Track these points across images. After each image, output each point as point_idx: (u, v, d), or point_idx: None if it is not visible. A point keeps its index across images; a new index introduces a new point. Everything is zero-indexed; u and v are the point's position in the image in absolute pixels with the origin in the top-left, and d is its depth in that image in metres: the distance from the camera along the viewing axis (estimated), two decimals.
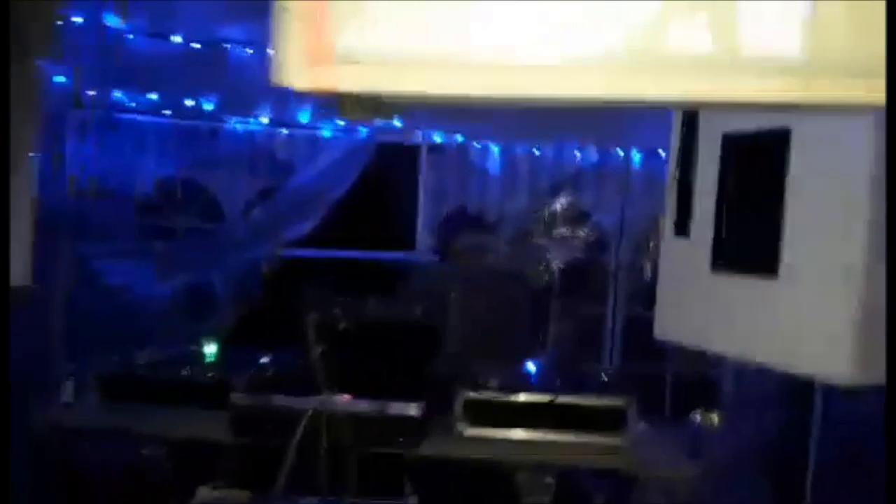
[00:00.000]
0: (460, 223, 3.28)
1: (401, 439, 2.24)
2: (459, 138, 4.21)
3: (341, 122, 4.24)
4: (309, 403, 2.23)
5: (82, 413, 2.56)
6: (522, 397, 2.37)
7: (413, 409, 2.26)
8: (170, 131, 4.43)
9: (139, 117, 4.35)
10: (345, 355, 2.60)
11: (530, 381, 2.71)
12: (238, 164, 4.46)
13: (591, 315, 4.47)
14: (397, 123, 4.15)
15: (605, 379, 2.81)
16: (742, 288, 1.36)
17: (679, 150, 1.57)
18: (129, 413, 2.50)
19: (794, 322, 1.24)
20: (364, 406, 2.28)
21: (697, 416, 3.86)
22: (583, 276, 4.45)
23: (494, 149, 4.22)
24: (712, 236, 1.41)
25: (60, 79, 4.08)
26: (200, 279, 4.31)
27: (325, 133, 4.32)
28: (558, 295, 4.40)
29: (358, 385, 2.41)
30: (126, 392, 2.57)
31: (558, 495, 2.27)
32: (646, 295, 4.52)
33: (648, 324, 4.20)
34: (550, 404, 2.33)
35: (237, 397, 2.35)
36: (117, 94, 4.26)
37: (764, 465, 2.57)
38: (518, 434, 2.37)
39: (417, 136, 4.22)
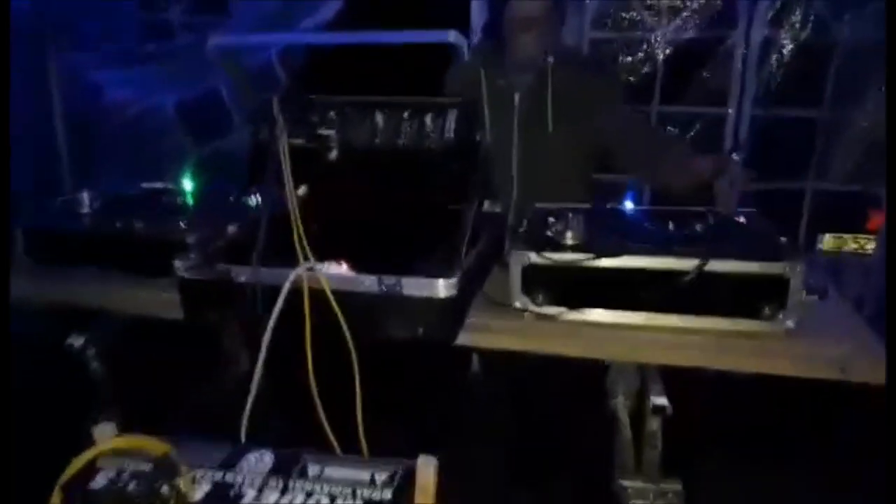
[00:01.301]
0: None
1: (421, 329, 1.41)
2: None
3: None
4: (282, 276, 1.41)
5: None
6: (624, 260, 1.45)
7: (443, 285, 1.39)
8: None
9: None
10: (341, 200, 1.73)
11: (628, 222, 1.78)
12: None
13: (708, 121, 3.35)
14: None
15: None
16: None
17: None
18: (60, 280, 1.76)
19: None
20: (367, 281, 1.43)
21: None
22: (698, 65, 3.28)
23: None
24: None
25: None
26: (206, 87, 3.44)
27: None
28: (663, 94, 3.29)
29: (358, 248, 1.56)
30: (57, 251, 1.81)
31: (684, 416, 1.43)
32: (783, 91, 3.36)
33: (782, 130, 3.10)
34: (668, 276, 1.41)
35: (182, 266, 1.54)
36: None
37: None
38: (609, 317, 1.50)
39: None
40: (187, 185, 2.10)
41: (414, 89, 1.67)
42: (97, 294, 1.72)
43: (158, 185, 2.17)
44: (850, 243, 3.53)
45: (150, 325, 1.70)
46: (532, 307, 1.52)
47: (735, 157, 1.99)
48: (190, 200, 2.05)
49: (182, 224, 1.77)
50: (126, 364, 1.74)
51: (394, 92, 1.66)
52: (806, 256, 3.20)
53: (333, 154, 1.61)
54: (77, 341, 1.68)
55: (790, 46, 3.15)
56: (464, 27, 2.95)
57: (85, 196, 1.91)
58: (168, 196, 2.05)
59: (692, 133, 3.42)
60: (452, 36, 1.33)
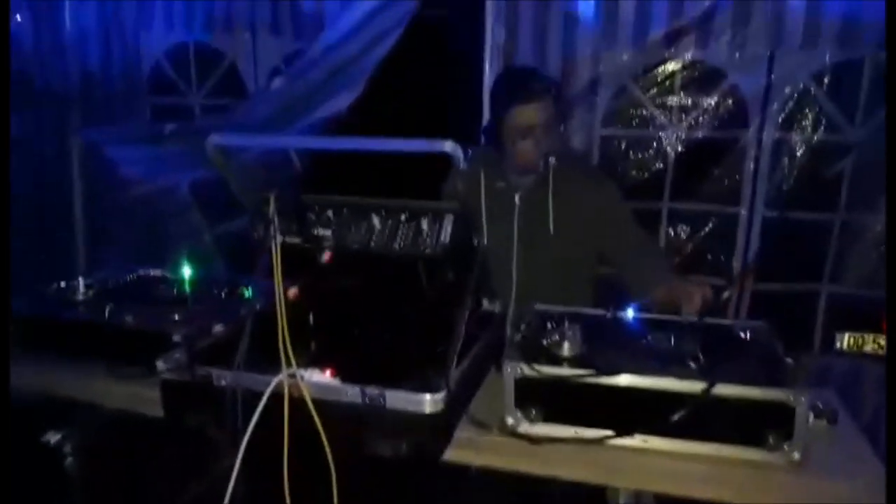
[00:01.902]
0: (512, 92, 2.16)
1: (404, 445, 1.34)
2: None
3: None
4: (263, 382, 1.36)
5: None
6: (624, 379, 1.39)
7: (429, 401, 1.34)
8: None
9: None
10: (332, 302, 1.70)
11: (627, 334, 1.72)
12: (257, 21, 3.51)
13: (719, 220, 3.32)
14: None
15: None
16: None
17: None
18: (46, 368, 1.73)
19: None
20: (350, 392, 1.38)
21: None
22: (710, 164, 3.28)
23: None
24: None
25: None
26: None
27: None
28: (673, 191, 3.28)
29: (346, 354, 1.52)
30: (45, 341, 1.79)
31: None
32: (795, 193, 3.34)
33: (794, 233, 3.06)
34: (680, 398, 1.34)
35: (164, 366, 1.50)
36: None
37: None
38: (605, 438, 1.42)
39: None
40: (186, 271, 2.09)
41: (412, 191, 1.66)
42: (80, 386, 1.69)
43: (157, 272, 2.16)
44: (870, 343, 3.42)
45: (130, 422, 1.65)
46: (524, 424, 1.45)
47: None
48: (186, 289, 2.04)
49: (173, 317, 1.75)
50: (103, 462, 1.69)
51: (392, 193, 1.65)
52: (823, 358, 3.08)
53: (327, 255, 1.59)
54: (53, 437, 1.63)
55: (802, 148, 3.14)
56: (476, 123, 3.00)
57: (80, 283, 1.90)
58: (164, 285, 2.04)
59: (705, 231, 3.38)
60: (449, 146, 1.33)
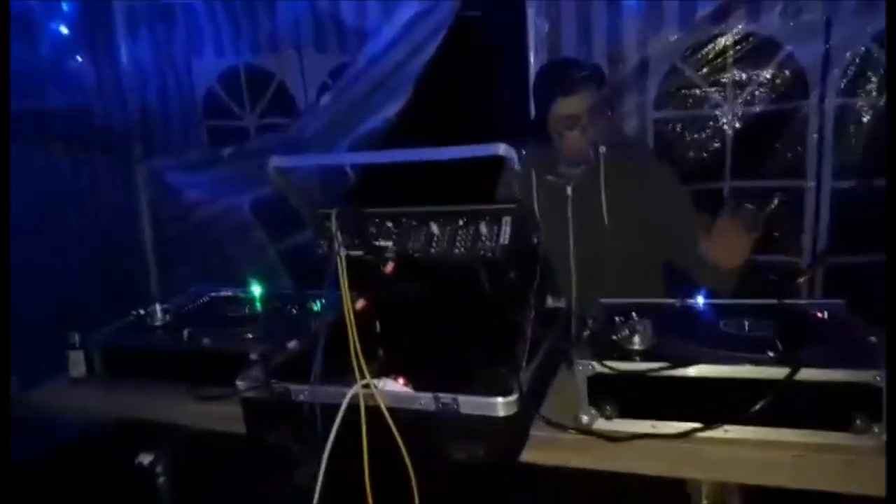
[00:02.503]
0: (553, 84, 2.15)
1: (480, 449, 1.36)
2: None
3: None
4: (339, 394, 1.40)
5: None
6: (700, 370, 1.37)
7: (502, 404, 1.35)
8: (221, 11, 3.61)
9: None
10: (399, 311, 1.73)
11: (699, 322, 1.69)
12: (302, 39, 3.58)
13: (785, 195, 3.21)
14: None
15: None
16: None
17: None
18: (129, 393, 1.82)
19: None
20: (424, 399, 1.40)
21: None
22: (770, 138, 3.18)
23: None
24: None
25: None
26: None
27: None
28: (735, 169, 3.20)
29: (416, 361, 1.54)
30: (129, 367, 1.88)
31: None
32: (863, 161, 3.20)
33: (869, 202, 2.94)
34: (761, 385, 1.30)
35: (243, 385, 1.56)
36: None
37: None
38: (684, 430, 1.40)
39: None
40: (255, 289, 2.16)
41: (468, 193, 1.67)
42: (166, 409, 1.76)
43: (227, 292, 2.23)
44: None
45: (216, 440, 1.71)
46: (599, 421, 1.45)
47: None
48: (257, 306, 2.10)
49: (247, 335, 1.81)
50: (192, 480, 1.76)
51: (447, 197, 1.67)
52: None
53: (390, 265, 1.61)
54: (146, 459, 1.71)
55: (869, 113, 3.01)
56: (525, 118, 2.99)
57: (157, 309, 1.98)
58: (236, 304, 2.11)
59: (772, 207, 3.28)
60: (503, 149, 1.33)
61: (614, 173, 2.17)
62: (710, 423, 1.36)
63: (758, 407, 1.30)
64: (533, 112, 2.28)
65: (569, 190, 2.21)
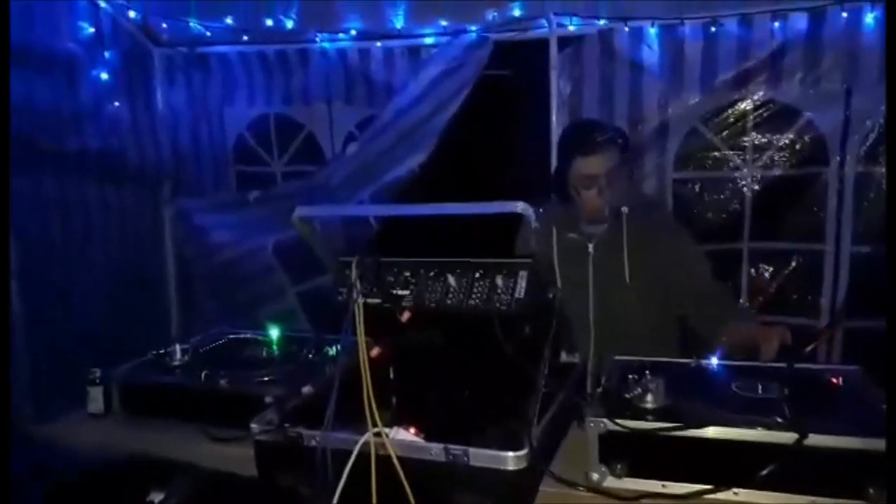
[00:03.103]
0: (573, 145, 2.21)
1: (489, 502, 1.35)
2: (601, 22, 3.10)
3: (444, 23, 3.28)
4: (351, 441, 1.41)
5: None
6: (711, 431, 1.37)
7: (512, 458, 1.35)
8: (256, 62, 3.74)
9: (221, 48, 3.70)
10: (413, 360, 1.75)
11: (713, 383, 1.69)
12: (332, 93, 3.70)
13: (803, 258, 3.22)
14: (517, 12, 3.13)
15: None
16: None
17: None
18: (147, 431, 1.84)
19: None
20: (434, 450, 1.41)
21: None
22: (789, 201, 3.20)
23: (651, 31, 3.05)
24: None
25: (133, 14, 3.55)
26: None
27: (427, 39, 3.39)
28: (753, 231, 3.21)
29: (428, 411, 1.55)
30: (146, 405, 1.91)
31: None
32: (882, 227, 3.20)
33: (884, 267, 2.92)
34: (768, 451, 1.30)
35: (257, 427, 1.58)
36: (192, 24, 3.62)
37: None
38: (694, 492, 1.39)
39: (544, 27, 3.16)
40: (273, 332, 2.18)
41: (485, 249, 1.71)
42: (180, 448, 1.78)
43: (246, 334, 2.26)
44: None
45: (227, 481, 1.72)
46: (610, 479, 1.44)
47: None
48: (274, 349, 2.13)
49: (263, 378, 1.84)
50: None
51: (466, 249, 1.70)
52: None
53: (406, 314, 1.64)
54: (157, 497, 1.72)
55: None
56: (546, 176, 3.05)
57: (177, 349, 2.02)
58: (253, 346, 2.15)
59: (788, 270, 3.29)
60: (521, 207, 1.37)
61: (635, 233, 2.20)
62: (719, 486, 1.35)
63: (765, 472, 1.29)
64: (555, 169, 2.32)
65: (590, 248, 2.24)
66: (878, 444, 1.28)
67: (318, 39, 3.53)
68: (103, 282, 3.56)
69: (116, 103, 3.70)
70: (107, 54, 3.59)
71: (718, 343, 1.85)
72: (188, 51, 3.85)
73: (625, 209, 2.20)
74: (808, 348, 1.59)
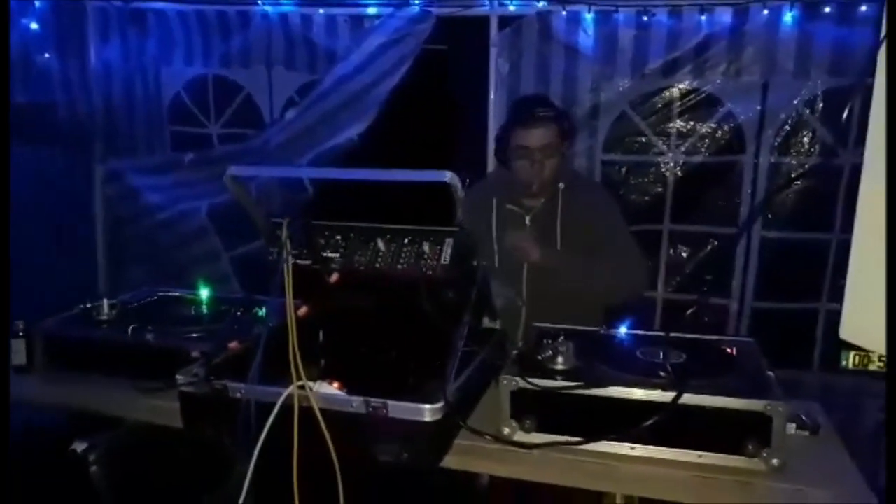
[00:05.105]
0: (517, 116, 2.31)
1: (405, 452, 1.44)
2: (540, 4, 3.17)
3: None
4: (273, 394, 1.46)
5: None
6: (609, 390, 1.48)
7: (428, 410, 1.44)
8: (195, 21, 3.67)
9: (158, 5, 3.60)
10: (340, 320, 1.81)
11: (619, 349, 1.81)
12: (273, 57, 3.66)
13: (717, 242, 3.41)
14: None
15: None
16: None
17: None
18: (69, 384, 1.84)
19: None
20: (356, 402, 1.48)
21: None
22: (708, 188, 3.38)
23: (587, 16, 3.15)
24: None
25: None
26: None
27: (370, 10, 3.40)
28: (673, 213, 3.38)
29: (352, 368, 1.62)
30: (71, 358, 1.90)
31: None
32: (792, 215, 3.42)
33: (792, 252, 3.14)
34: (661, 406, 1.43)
35: (183, 379, 1.61)
36: None
37: None
38: (593, 446, 1.51)
39: (485, 5, 3.22)
40: (203, 292, 2.20)
41: (419, 214, 1.77)
42: (105, 401, 1.80)
43: (176, 293, 2.27)
44: (876, 362, 3.46)
45: (152, 433, 1.75)
46: (519, 433, 1.54)
47: None
48: (203, 308, 2.15)
49: (191, 334, 1.86)
50: (126, 471, 1.79)
51: (398, 216, 1.76)
52: (826, 376, 3.11)
53: (335, 276, 1.70)
54: (80, 446, 1.74)
55: (799, 171, 3.23)
56: (482, 149, 3.14)
57: (105, 304, 2.02)
58: (183, 305, 2.15)
59: (705, 251, 3.47)
60: (448, 177, 1.44)
61: (570, 207, 2.28)
62: (617, 440, 1.47)
63: (647, 425, 1.42)
64: (497, 135, 2.39)
65: (527, 220, 2.32)
66: (757, 404, 1.41)
67: (259, 2, 3.48)
68: (29, 238, 3.46)
69: (46, 55, 3.58)
70: (37, 3, 3.46)
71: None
72: (123, 4, 3.74)
73: (561, 185, 2.29)
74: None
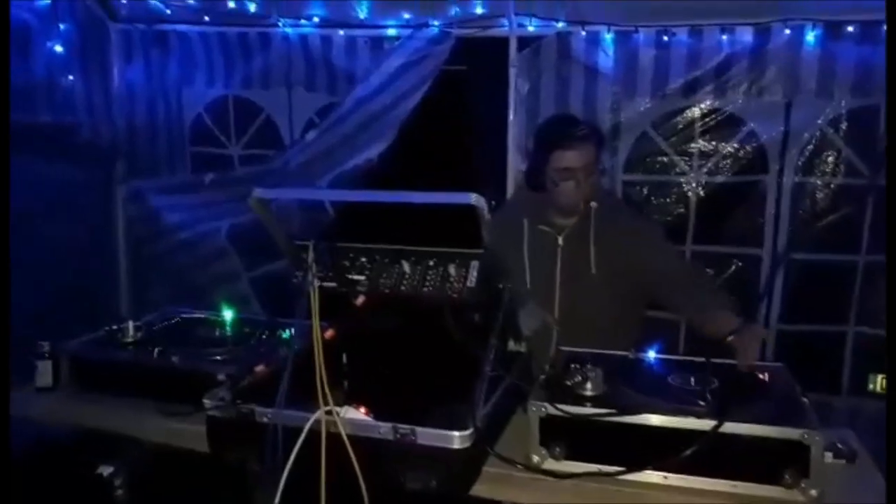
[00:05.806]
0: (554, 138, 2.30)
1: (434, 479, 1.42)
2: (559, 24, 3.18)
3: (407, 15, 3.32)
4: (302, 419, 1.45)
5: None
6: (642, 417, 1.46)
7: (457, 437, 1.42)
8: (217, 42, 3.71)
9: (181, 27, 3.65)
10: (366, 342, 1.80)
11: (649, 374, 1.78)
12: (293, 78, 3.70)
13: (740, 263, 3.38)
14: (479, 9, 3.19)
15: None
16: None
17: None
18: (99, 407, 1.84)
19: None
20: (384, 429, 1.46)
21: None
22: (731, 209, 3.35)
23: (607, 37, 3.15)
24: None
25: None
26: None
27: (390, 31, 3.42)
28: (696, 234, 3.35)
29: (379, 392, 1.60)
30: (97, 380, 1.91)
31: None
32: (817, 236, 3.37)
33: (818, 274, 3.08)
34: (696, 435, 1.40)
35: (210, 403, 1.60)
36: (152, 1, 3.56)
37: None
38: (626, 474, 1.48)
39: (504, 26, 3.23)
40: (226, 313, 2.20)
41: (443, 236, 1.76)
42: (131, 423, 1.79)
43: (199, 314, 2.27)
44: None
45: (178, 456, 1.75)
46: (549, 461, 1.52)
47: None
48: (227, 330, 2.15)
49: (216, 357, 1.86)
50: (151, 494, 1.78)
51: (422, 239, 1.75)
52: (852, 400, 3.03)
53: (361, 299, 1.69)
54: (106, 470, 1.73)
55: (824, 191, 3.20)
56: (501, 169, 3.14)
57: (130, 326, 2.02)
58: (206, 326, 2.16)
59: (729, 272, 3.43)
60: (473, 199, 1.43)
61: (604, 226, 2.26)
62: (649, 469, 1.44)
63: (686, 454, 1.39)
64: (531, 161, 2.38)
65: (560, 240, 2.31)
66: (794, 433, 1.38)
67: (280, 24, 3.52)
68: (53, 259, 3.49)
69: (70, 77, 3.63)
70: (62, 26, 3.51)
71: (698, 329, 1.95)
72: (146, 27, 3.79)
73: (594, 204, 2.27)
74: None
